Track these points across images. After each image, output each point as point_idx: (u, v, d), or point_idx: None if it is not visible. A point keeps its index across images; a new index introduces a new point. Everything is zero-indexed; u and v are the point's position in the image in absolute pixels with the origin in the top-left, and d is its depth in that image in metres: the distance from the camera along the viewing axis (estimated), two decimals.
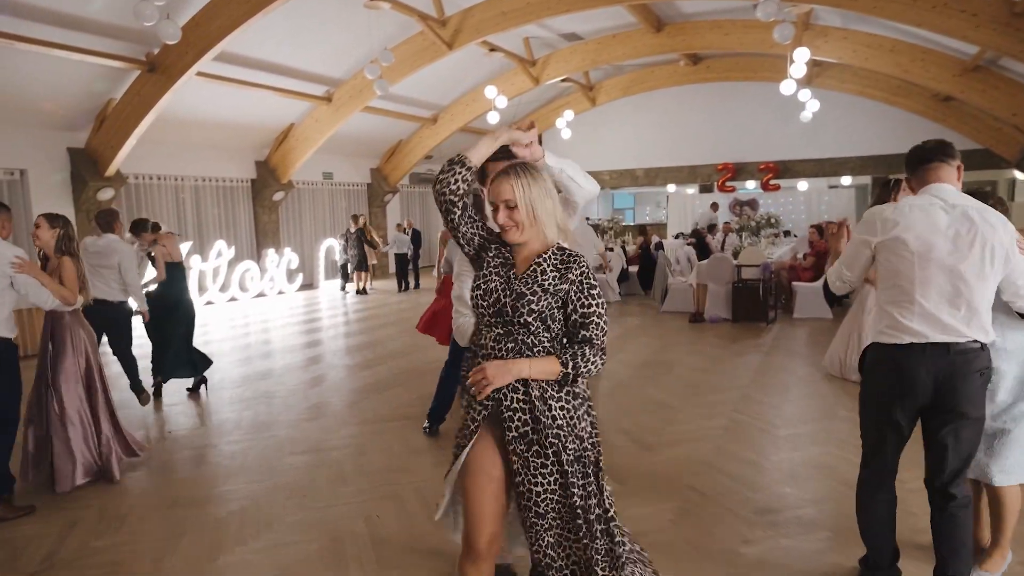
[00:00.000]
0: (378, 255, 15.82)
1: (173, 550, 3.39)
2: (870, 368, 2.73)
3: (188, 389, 6.53)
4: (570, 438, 2.19)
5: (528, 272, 2.21)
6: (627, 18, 13.01)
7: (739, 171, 18.44)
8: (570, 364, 2.15)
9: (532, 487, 2.18)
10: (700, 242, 12.96)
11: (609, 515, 2.24)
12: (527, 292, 2.17)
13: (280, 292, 14.60)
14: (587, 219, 23.75)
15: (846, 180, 18.76)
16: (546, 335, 2.19)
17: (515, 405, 2.18)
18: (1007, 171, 16.10)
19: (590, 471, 2.23)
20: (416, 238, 15.99)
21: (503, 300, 2.19)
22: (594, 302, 2.17)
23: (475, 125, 17.39)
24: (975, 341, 2.51)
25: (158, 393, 6.32)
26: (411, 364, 7.52)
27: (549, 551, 2.22)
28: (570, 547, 2.24)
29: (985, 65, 12.06)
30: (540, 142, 2.44)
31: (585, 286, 2.18)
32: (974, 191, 2.83)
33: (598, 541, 2.20)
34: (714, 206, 16.90)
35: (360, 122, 14.53)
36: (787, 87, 11.64)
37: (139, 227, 6.57)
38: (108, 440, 4.31)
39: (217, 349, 8.52)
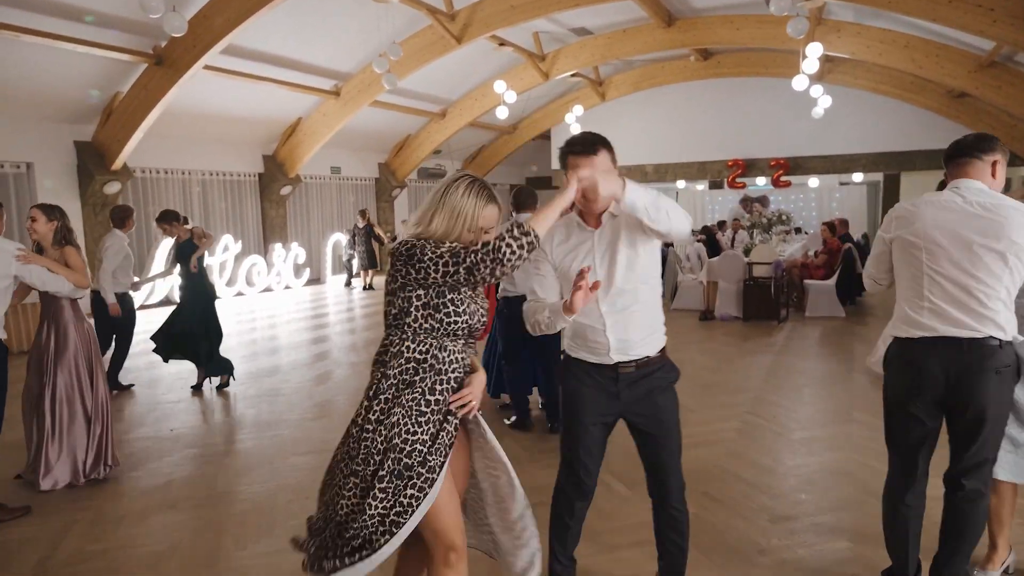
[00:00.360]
0: (385, 252, 15.74)
1: (170, 555, 3.31)
2: (888, 362, 2.75)
3: (193, 387, 6.46)
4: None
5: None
6: (637, 12, 12.85)
7: (749, 167, 18.25)
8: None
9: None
10: (710, 239, 12.83)
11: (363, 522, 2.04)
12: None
13: (287, 287, 14.54)
14: None
15: (857, 177, 18.56)
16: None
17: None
18: (1022, 168, 15.87)
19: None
20: None
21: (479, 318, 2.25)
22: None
23: (484, 120, 17.27)
24: (991, 337, 2.46)
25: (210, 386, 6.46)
26: None
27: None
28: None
29: (1001, 61, 11.85)
30: (601, 155, 2.39)
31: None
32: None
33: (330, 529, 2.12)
34: (745, 204, 16.73)
35: (368, 116, 14.44)
36: (799, 83, 11.47)
37: (170, 217, 6.25)
38: (102, 436, 4.23)
39: (222, 344, 8.44)
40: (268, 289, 14.07)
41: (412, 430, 2.09)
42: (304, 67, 12.15)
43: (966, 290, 2.48)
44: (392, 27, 11.40)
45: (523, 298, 4.76)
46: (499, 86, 13.46)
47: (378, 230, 14.95)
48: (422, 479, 2.07)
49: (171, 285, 11.62)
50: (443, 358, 2.14)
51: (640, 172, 19.64)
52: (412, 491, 2.06)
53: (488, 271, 2.03)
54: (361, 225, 14.51)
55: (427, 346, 2.13)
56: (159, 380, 6.90)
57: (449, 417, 2.15)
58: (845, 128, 16.89)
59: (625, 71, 17.82)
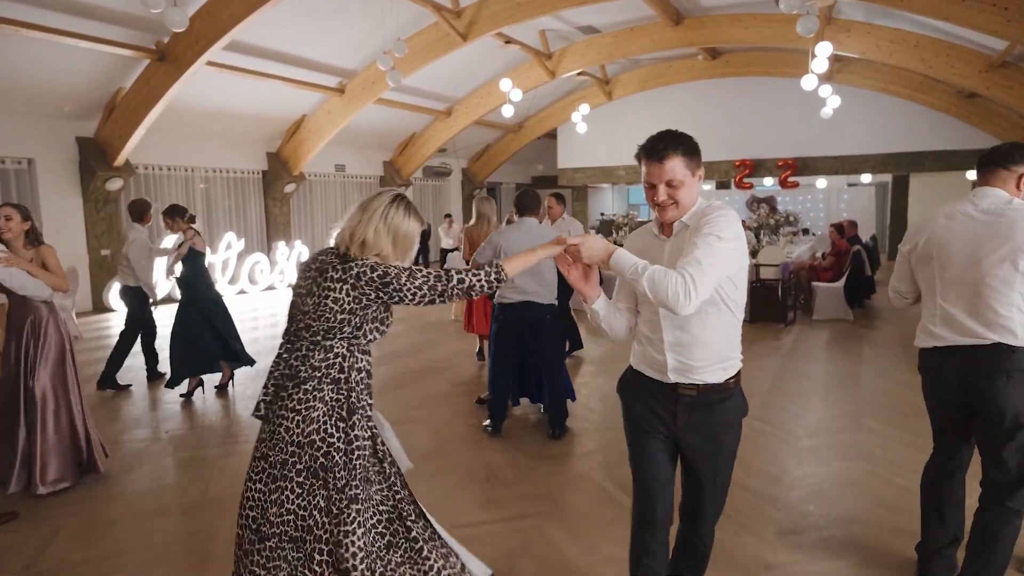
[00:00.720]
0: None
1: (158, 563, 3.21)
2: (919, 369, 2.89)
3: (182, 396, 6.14)
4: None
5: None
6: (645, 11, 12.73)
7: (757, 167, 18.10)
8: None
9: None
10: None
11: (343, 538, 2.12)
12: None
13: (290, 285, 14.46)
14: (601, 214, 23.51)
15: (866, 178, 18.39)
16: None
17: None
18: None
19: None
20: (424, 233, 15.81)
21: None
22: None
23: (489, 118, 17.17)
24: (1001, 343, 2.51)
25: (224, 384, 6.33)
26: (419, 363, 7.35)
27: None
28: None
29: (1013, 61, 11.68)
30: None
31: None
32: None
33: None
34: (752, 205, 16.59)
35: (373, 114, 14.36)
36: (808, 82, 11.31)
37: (175, 213, 6.08)
38: (89, 433, 4.14)
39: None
40: (271, 287, 14.01)
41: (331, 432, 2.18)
42: (308, 64, 12.06)
43: (977, 297, 2.53)
44: (397, 24, 11.31)
45: (520, 305, 4.69)
46: (505, 84, 13.35)
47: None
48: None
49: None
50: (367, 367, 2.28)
51: None
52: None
53: (456, 300, 2.26)
54: None
55: (364, 361, 2.26)
56: (160, 379, 6.82)
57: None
58: (854, 128, 16.72)
59: (632, 70, 17.69)
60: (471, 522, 3.58)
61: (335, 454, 2.14)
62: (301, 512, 2.13)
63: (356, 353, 2.22)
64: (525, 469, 4.30)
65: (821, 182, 18.71)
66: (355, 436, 2.18)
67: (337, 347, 2.18)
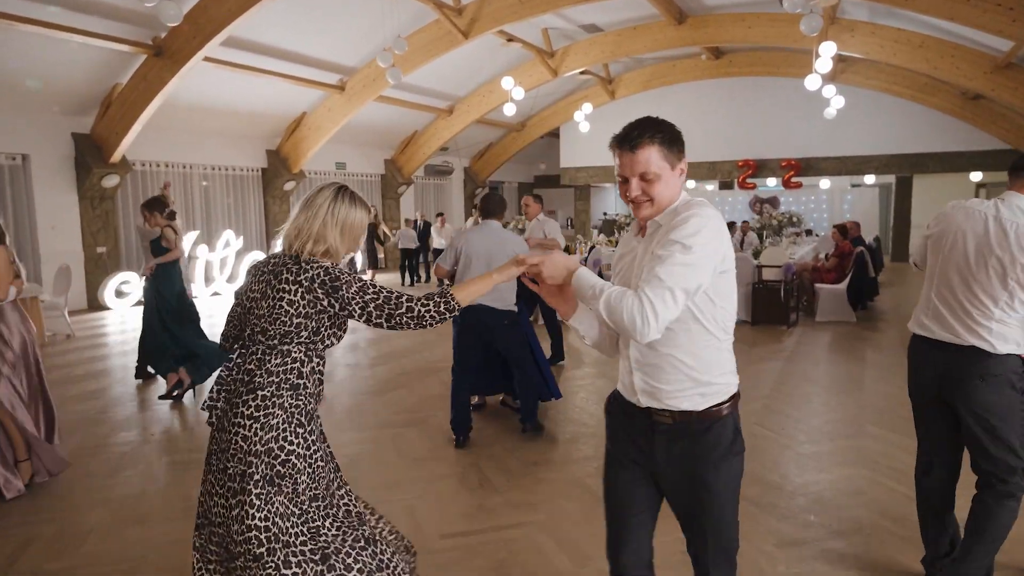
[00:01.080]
0: (387, 249, 15.56)
1: (134, 574, 3.10)
2: (907, 349, 2.93)
3: (164, 397, 5.97)
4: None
5: None
6: (648, 9, 12.61)
7: (760, 168, 17.98)
8: None
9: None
10: None
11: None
12: None
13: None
14: (604, 214, 23.39)
15: (869, 179, 18.27)
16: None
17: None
18: None
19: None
20: (426, 231, 15.69)
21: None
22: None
23: (492, 117, 17.07)
24: (976, 347, 2.54)
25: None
26: (415, 364, 7.24)
27: None
28: None
29: (1018, 62, 11.54)
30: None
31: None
32: None
33: None
34: (755, 205, 16.48)
35: (374, 112, 14.27)
36: (812, 82, 11.20)
37: (153, 206, 5.91)
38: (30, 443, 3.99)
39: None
40: None
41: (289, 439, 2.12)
42: (308, 61, 11.97)
43: (966, 300, 2.57)
44: (398, 21, 11.22)
45: (476, 308, 4.55)
46: (507, 82, 13.24)
47: (383, 228, 14.74)
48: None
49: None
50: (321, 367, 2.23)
51: None
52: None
53: (406, 328, 2.13)
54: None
55: (321, 365, 2.22)
56: (152, 380, 6.73)
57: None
58: (857, 129, 16.59)
59: (635, 69, 17.58)
60: (461, 531, 3.47)
61: (296, 461, 2.09)
62: (263, 524, 2.03)
63: (314, 358, 2.18)
64: (518, 476, 4.19)
65: (824, 183, 18.59)
66: (313, 441, 2.16)
67: (295, 352, 2.13)
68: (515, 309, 4.74)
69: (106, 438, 5.02)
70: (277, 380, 2.10)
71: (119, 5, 8.82)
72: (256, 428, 2.05)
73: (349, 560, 2.14)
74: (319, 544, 2.10)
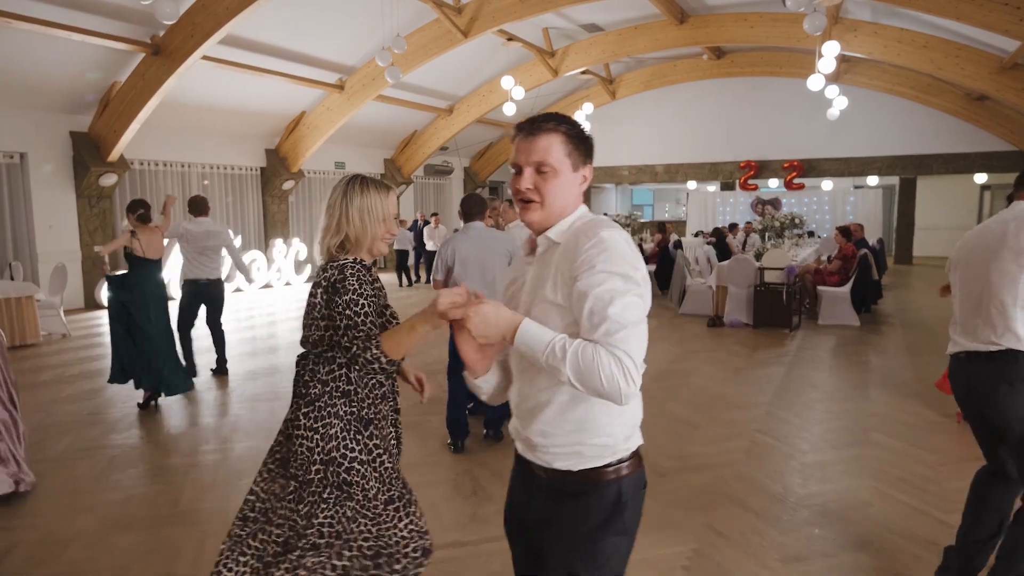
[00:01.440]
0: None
1: None
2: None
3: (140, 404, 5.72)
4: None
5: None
6: (650, 9, 12.52)
7: (762, 169, 17.89)
8: None
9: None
10: (720, 242, 12.47)
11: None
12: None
13: (287, 283, 14.30)
14: (604, 215, 23.30)
15: (872, 180, 18.16)
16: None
17: None
18: None
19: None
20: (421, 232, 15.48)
21: None
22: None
23: (491, 117, 16.98)
24: (1008, 350, 2.51)
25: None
26: (411, 366, 7.13)
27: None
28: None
29: None
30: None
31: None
32: None
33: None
34: (757, 206, 16.36)
35: (373, 111, 14.18)
36: (815, 82, 11.11)
37: (130, 207, 5.77)
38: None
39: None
40: (268, 285, 13.82)
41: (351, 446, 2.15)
42: (307, 60, 11.88)
43: (982, 302, 2.58)
44: (397, 20, 11.13)
45: None
46: (507, 82, 13.16)
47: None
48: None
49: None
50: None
51: (651, 172, 19.31)
52: None
53: (355, 365, 2.08)
54: None
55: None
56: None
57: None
58: (860, 130, 16.50)
59: (636, 69, 17.49)
60: (454, 542, 3.38)
61: (359, 467, 2.13)
62: (328, 522, 2.10)
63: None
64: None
65: (827, 184, 18.48)
66: (376, 445, 2.17)
67: (339, 358, 2.14)
68: None
69: (96, 440, 4.93)
70: (328, 389, 2.13)
71: (118, 3, 8.73)
72: (317, 439, 2.10)
73: (395, 564, 2.19)
74: (380, 544, 2.15)
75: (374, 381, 2.19)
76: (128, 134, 10.45)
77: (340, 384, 2.14)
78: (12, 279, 8.75)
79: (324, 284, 2.11)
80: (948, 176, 17.26)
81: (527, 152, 1.56)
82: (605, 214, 24.11)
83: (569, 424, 1.54)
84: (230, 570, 2.14)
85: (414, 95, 14.77)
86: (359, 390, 2.16)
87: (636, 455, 1.59)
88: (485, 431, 4.85)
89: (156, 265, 5.77)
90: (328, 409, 2.11)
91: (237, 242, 12.98)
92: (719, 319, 9.36)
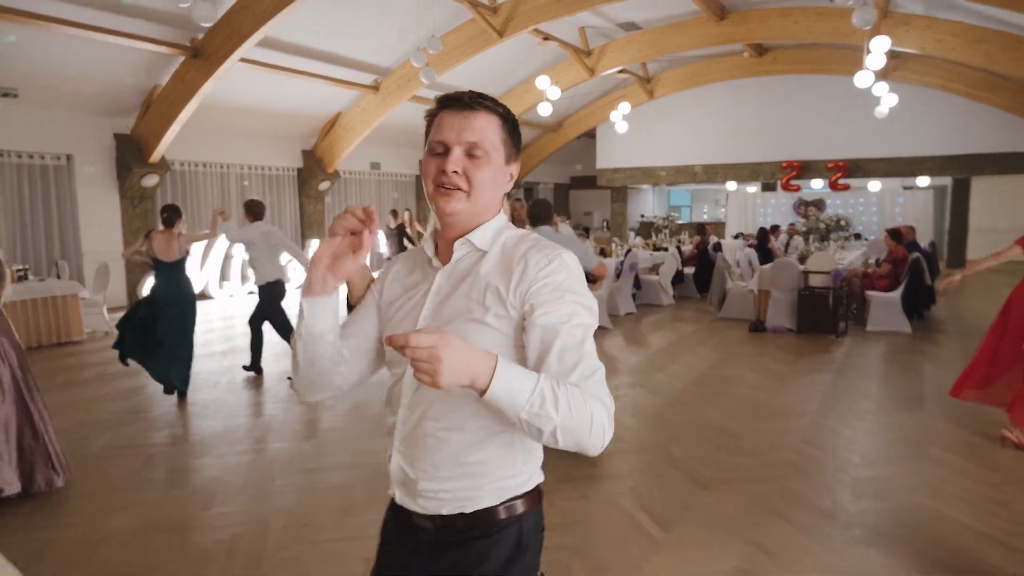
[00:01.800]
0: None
1: None
2: None
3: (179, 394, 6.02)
4: None
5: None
6: (688, 6, 12.26)
7: (805, 169, 17.39)
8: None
9: None
10: (762, 245, 12.14)
11: None
12: None
13: None
14: (642, 216, 22.97)
15: (923, 181, 17.50)
16: None
17: None
18: None
19: None
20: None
21: None
22: None
23: (527, 117, 16.85)
24: None
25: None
26: None
27: None
28: None
29: None
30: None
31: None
32: None
33: None
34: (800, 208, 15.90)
35: (409, 112, 14.17)
36: (863, 79, 10.71)
37: (162, 212, 6.11)
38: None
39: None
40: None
41: None
42: (343, 61, 11.92)
43: None
44: (433, 21, 11.09)
45: None
46: (542, 82, 13.01)
47: (415, 228, 14.59)
48: None
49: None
50: None
51: (688, 172, 18.96)
52: None
53: None
54: (392, 226, 14.23)
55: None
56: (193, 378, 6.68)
57: None
58: (910, 128, 15.92)
59: (674, 67, 17.19)
60: None
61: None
62: None
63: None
64: (551, 493, 3.91)
65: (874, 185, 17.90)
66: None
67: None
68: None
69: (133, 439, 4.95)
70: None
71: (158, 8, 8.85)
72: None
73: None
74: None
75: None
76: (169, 136, 10.61)
77: None
78: (58, 277, 8.92)
79: None
80: (1003, 176, 16.56)
81: (459, 129, 1.29)
82: (642, 216, 23.79)
83: (472, 467, 1.31)
84: None
85: None
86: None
87: (537, 491, 1.39)
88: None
89: (172, 267, 5.93)
90: None
91: None
92: (761, 323, 9.07)
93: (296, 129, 13.84)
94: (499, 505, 1.33)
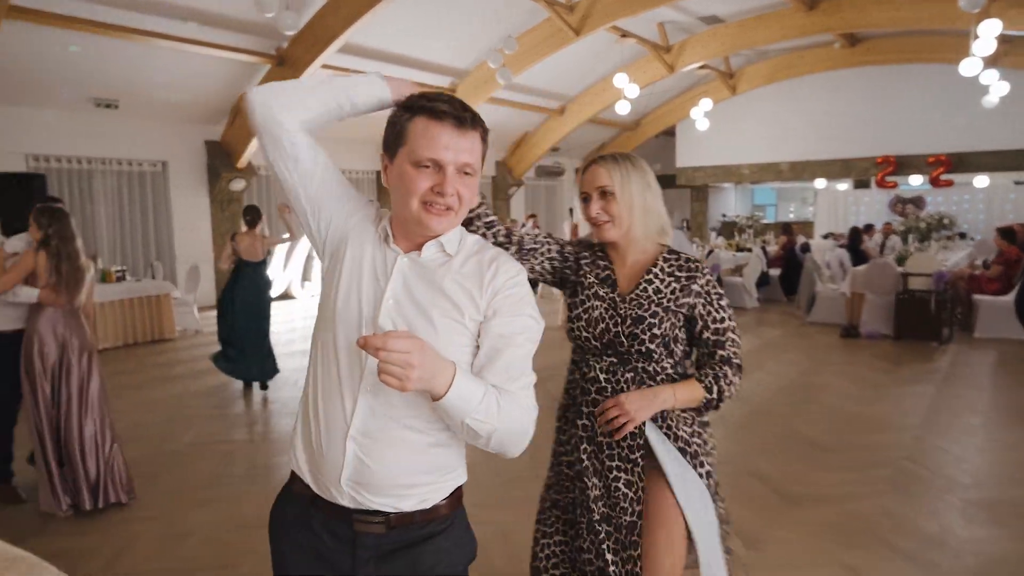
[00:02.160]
0: None
1: None
2: None
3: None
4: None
5: (638, 290, 1.89)
6: None
7: (902, 165, 16.34)
8: (714, 389, 1.87)
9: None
10: (854, 245, 11.46)
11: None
12: (645, 315, 1.86)
13: None
14: (723, 216, 22.24)
15: None
16: (669, 360, 1.90)
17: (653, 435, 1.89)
18: None
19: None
20: None
21: (613, 329, 1.87)
22: (726, 315, 1.90)
23: (604, 116, 16.61)
24: None
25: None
26: None
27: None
28: None
29: None
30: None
31: (714, 297, 1.90)
32: None
33: None
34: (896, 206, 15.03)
35: (485, 113, 13.76)
36: (969, 67, 9.91)
37: (246, 213, 6.30)
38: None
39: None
40: None
41: None
42: (421, 64, 12.05)
43: None
44: (510, 21, 11.05)
45: None
46: (620, 80, 12.74)
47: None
48: None
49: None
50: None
51: (774, 170, 18.20)
52: None
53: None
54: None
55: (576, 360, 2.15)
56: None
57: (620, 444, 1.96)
58: (1022, 119, 14.67)
59: (759, 61, 16.53)
60: None
61: (554, 447, 2.15)
62: None
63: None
64: None
65: (981, 180, 16.61)
66: (564, 441, 2.06)
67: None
68: None
69: (217, 435, 5.09)
70: None
71: (246, 19, 9.18)
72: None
73: None
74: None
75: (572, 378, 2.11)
76: (255, 142, 10.97)
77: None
78: (153, 278, 9.39)
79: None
80: None
81: (456, 150, 1.31)
82: (723, 215, 23.07)
83: (427, 461, 1.32)
84: None
85: (525, 96, 14.67)
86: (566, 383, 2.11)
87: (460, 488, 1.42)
88: None
89: (256, 267, 6.13)
90: None
91: None
92: (854, 329, 8.53)
93: (376, 132, 13.66)
94: (452, 495, 1.37)
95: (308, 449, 1.36)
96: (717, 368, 1.88)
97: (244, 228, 6.22)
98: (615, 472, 1.88)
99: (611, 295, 1.91)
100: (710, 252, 10.64)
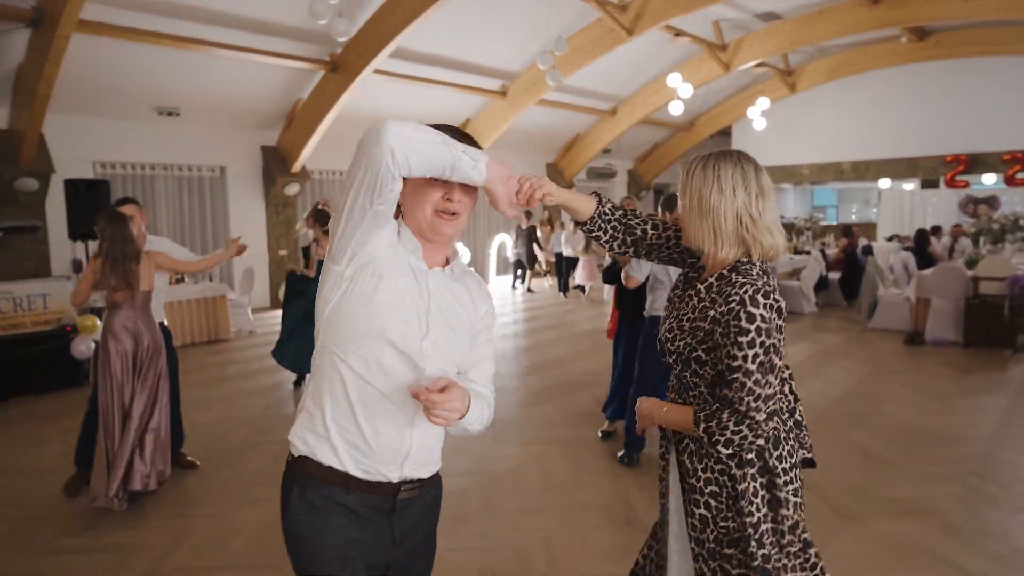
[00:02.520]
0: (549, 254, 15.28)
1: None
2: None
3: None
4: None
5: (682, 301, 1.84)
6: None
7: (974, 163, 15.56)
8: (702, 426, 1.71)
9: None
10: (920, 247, 10.95)
11: None
12: (675, 327, 1.80)
13: None
14: (781, 217, 21.61)
15: None
16: (695, 379, 1.79)
17: (672, 458, 1.86)
18: None
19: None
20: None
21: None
22: (740, 353, 1.64)
23: (657, 117, 16.36)
24: None
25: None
26: (567, 376, 6.88)
27: None
28: None
29: None
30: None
31: (732, 328, 1.65)
32: None
33: None
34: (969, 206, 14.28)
35: (535, 116, 14.17)
36: None
37: (321, 217, 6.35)
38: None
39: None
40: None
41: None
42: (471, 68, 12.10)
43: None
44: (561, 23, 10.98)
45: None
46: (673, 79, 12.51)
47: (546, 230, 14.54)
48: None
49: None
50: None
51: (835, 170, 17.60)
52: None
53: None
54: (524, 227, 14.27)
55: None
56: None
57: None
58: None
59: (819, 58, 16.01)
60: (602, 575, 3.05)
61: None
62: None
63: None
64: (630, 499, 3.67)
65: None
66: None
67: None
68: None
69: (267, 435, 5.19)
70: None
71: (301, 27, 9.39)
72: None
73: None
74: None
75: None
76: (309, 147, 11.24)
77: None
78: (210, 280, 9.68)
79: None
80: None
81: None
82: (782, 216, 22.39)
83: (439, 440, 1.69)
84: None
85: (576, 97, 14.57)
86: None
87: None
88: (624, 457, 4.44)
89: (319, 265, 6.25)
90: None
91: None
92: (919, 335, 8.14)
93: None
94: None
95: (348, 441, 1.55)
96: (716, 406, 1.71)
97: (316, 233, 6.28)
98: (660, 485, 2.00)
99: (672, 296, 1.92)
100: None
